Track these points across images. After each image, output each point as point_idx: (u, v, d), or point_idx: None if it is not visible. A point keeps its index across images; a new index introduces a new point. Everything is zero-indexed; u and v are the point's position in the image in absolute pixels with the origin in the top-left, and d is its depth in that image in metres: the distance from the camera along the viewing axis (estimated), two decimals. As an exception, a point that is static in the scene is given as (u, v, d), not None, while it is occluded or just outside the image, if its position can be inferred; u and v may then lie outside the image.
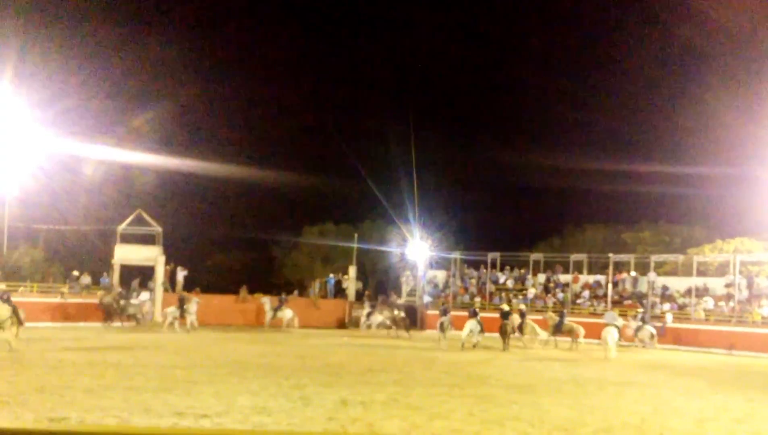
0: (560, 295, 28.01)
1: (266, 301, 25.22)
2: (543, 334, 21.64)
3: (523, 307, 23.85)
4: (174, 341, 17.97)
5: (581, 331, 21.56)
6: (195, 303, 22.38)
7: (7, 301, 15.00)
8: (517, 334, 21.23)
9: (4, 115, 22.48)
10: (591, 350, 20.40)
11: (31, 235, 28.16)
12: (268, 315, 24.91)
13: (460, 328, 22.10)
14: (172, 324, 21.72)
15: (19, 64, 23.46)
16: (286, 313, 24.73)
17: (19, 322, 14.83)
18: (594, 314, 25.74)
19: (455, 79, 57.04)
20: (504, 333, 19.99)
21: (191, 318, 21.97)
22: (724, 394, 11.68)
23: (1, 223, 25.77)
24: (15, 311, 14.80)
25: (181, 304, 22.16)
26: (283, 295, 26.12)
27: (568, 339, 21.52)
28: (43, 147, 24.04)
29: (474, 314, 20.48)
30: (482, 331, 20.02)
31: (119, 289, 24.51)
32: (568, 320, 22.58)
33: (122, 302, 23.67)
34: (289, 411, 8.34)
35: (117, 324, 23.09)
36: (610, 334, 19.00)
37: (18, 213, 26.42)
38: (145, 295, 25.62)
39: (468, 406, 9.25)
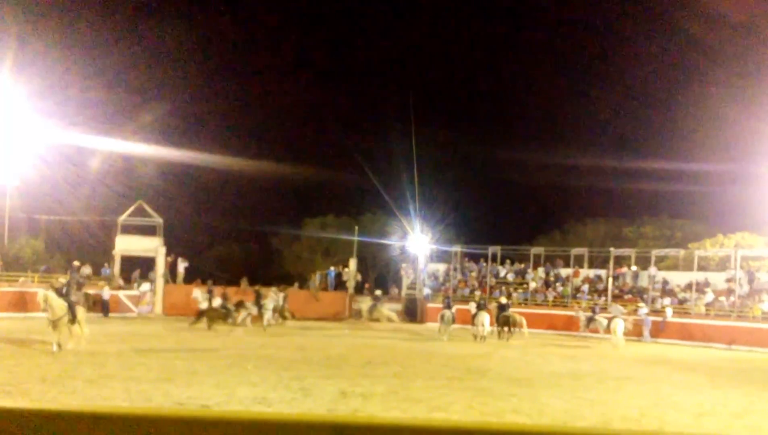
0: (560, 289, 28.06)
1: (198, 294, 23.21)
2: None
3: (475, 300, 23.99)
4: (175, 332, 18.02)
5: (524, 321, 22.38)
6: (272, 300, 21.54)
7: (65, 295, 13.21)
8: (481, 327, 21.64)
9: (4, 105, 22.44)
10: (531, 338, 21.49)
11: (32, 226, 28.19)
12: (203, 306, 22.90)
13: (462, 322, 22.26)
14: (245, 320, 20.82)
15: (19, 54, 23.40)
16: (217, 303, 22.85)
17: (72, 320, 12.92)
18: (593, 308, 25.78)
19: (458, 74, 56.85)
20: (501, 324, 20.91)
21: (267, 315, 20.97)
22: (723, 389, 11.71)
23: (2, 213, 25.81)
24: (71, 307, 12.95)
25: (258, 299, 21.33)
26: (210, 283, 24.33)
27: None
28: (44, 137, 24.02)
29: (484, 307, 20.89)
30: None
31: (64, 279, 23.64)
32: (511, 311, 23.36)
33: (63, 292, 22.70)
34: (289, 402, 8.38)
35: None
36: (619, 326, 20.06)
37: (19, 203, 26.46)
38: (145, 286, 25.68)
39: (467, 399, 9.28)
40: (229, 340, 16.56)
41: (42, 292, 13.07)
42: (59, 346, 12.31)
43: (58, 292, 13.19)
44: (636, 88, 45.25)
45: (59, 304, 12.69)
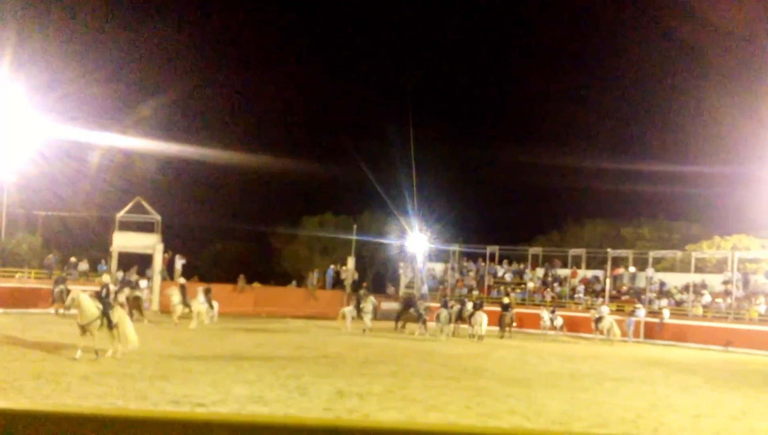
0: (558, 290, 28.09)
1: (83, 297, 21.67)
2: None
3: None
4: (171, 331, 17.96)
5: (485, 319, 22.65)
6: (371, 302, 21.25)
7: (102, 297, 11.85)
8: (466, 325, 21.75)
9: (3, 100, 22.34)
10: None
11: (29, 221, 28.09)
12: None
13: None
14: (346, 323, 20.77)
15: (18, 49, 23.27)
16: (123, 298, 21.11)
17: (109, 326, 11.49)
18: (590, 308, 25.88)
19: (456, 73, 56.83)
20: (503, 323, 21.75)
21: (367, 318, 20.70)
22: (719, 390, 11.72)
23: (0, 208, 25.72)
24: (105, 311, 11.49)
25: (358, 302, 21.25)
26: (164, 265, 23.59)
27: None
28: (42, 132, 23.91)
29: (481, 306, 21.40)
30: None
31: (61, 273, 22.88)
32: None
33: (60, 287, 21.48)
34: (285, 401, 8.34)
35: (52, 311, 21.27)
36: (614, 325, 21.97)
37: (17, 199, 26.36)
38: (143, 284, 25.59)
39: (464, 399, 9.26)
40: (225, 339, 16.52)
41: (74, 293, 11.86)
42: (96, 352, 11.09)
43: (98, 294, 11.93)
44: (634, 90, 45.33)
45: (90, 307, 11.34)
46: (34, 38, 26.83)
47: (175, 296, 19.76)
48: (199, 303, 19.77)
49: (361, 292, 22.56)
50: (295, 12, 56.16)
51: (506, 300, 23.88)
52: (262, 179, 40.70)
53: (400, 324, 21.20)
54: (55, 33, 30.25)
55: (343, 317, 21.23)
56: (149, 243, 26.13)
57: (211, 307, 20.30)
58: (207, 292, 20.90)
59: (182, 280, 22.07)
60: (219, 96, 49.32)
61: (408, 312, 21.34)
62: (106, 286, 12.34)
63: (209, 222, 38.64)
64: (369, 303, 21.07)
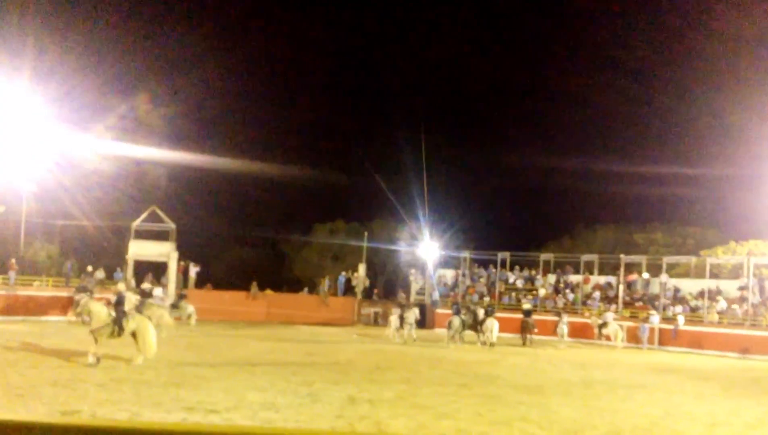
0: (570, 296, 27.86)
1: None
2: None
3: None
4: (185, 337, 18.13)
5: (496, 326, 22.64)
6: (414, 313, 21.38)
7: (117, 304, 11.78)
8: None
9: (21, 112, 22.82)
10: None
11: (47, 230, 28.58)
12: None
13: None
14: (396, 331, 21.00)
15: (36, 61, 23.80)
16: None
17: (119, 331, 11.48)
18: (599, 314, 25.67)
19: (467, 80, 56.88)
20: (524, 330, 22.06)
21: (407, 328, 20.85)
22: (736, 398, 11.56)
23: (19, 218, 26.20)
24: (119, 319, 11.45)
25: (402, 311, 21.49)
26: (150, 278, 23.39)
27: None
28: (59, 143, 24.38)
29: (492, 313, 21.33)
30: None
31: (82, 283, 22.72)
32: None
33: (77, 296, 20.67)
34: (297, 407, 8.41)
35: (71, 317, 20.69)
36: (619, 331, 22.41)
37: (35, 208, 26.84)
38: (158, 292, 25.85)
39: (475, 406, 9.25)
40: (238, 345, 16.64)
41: (84, 300, 12.13)
42: (98, 359, 11.19)
43: (112, 300, 12.05)
44: (648, 96, 44.99)
45: (100, 313, 11.47)
46: (52, 51, 27.40)
47: (128, 305, 19.66)
48: (158, 309, 19.17)
49: (403, 301, 22.74)
50: (306, 21, 56.68)
51: (527, 306, 23.85)
52: (274, 187, 40.99)
53: (455, 335, 20.83)
54: (72, 45, 30.86)
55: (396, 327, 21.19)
56: (164, 251, 26.42)
57: (177, 308, 20.59)
58: (181, 297, 21.55)
59: (147, 285, 22.54)
60: (232, 105, 49.84)
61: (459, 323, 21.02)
62: (120, 293, 12.35)
63: (222, 230, 39.01)
64: (412, 313, 21.17)
